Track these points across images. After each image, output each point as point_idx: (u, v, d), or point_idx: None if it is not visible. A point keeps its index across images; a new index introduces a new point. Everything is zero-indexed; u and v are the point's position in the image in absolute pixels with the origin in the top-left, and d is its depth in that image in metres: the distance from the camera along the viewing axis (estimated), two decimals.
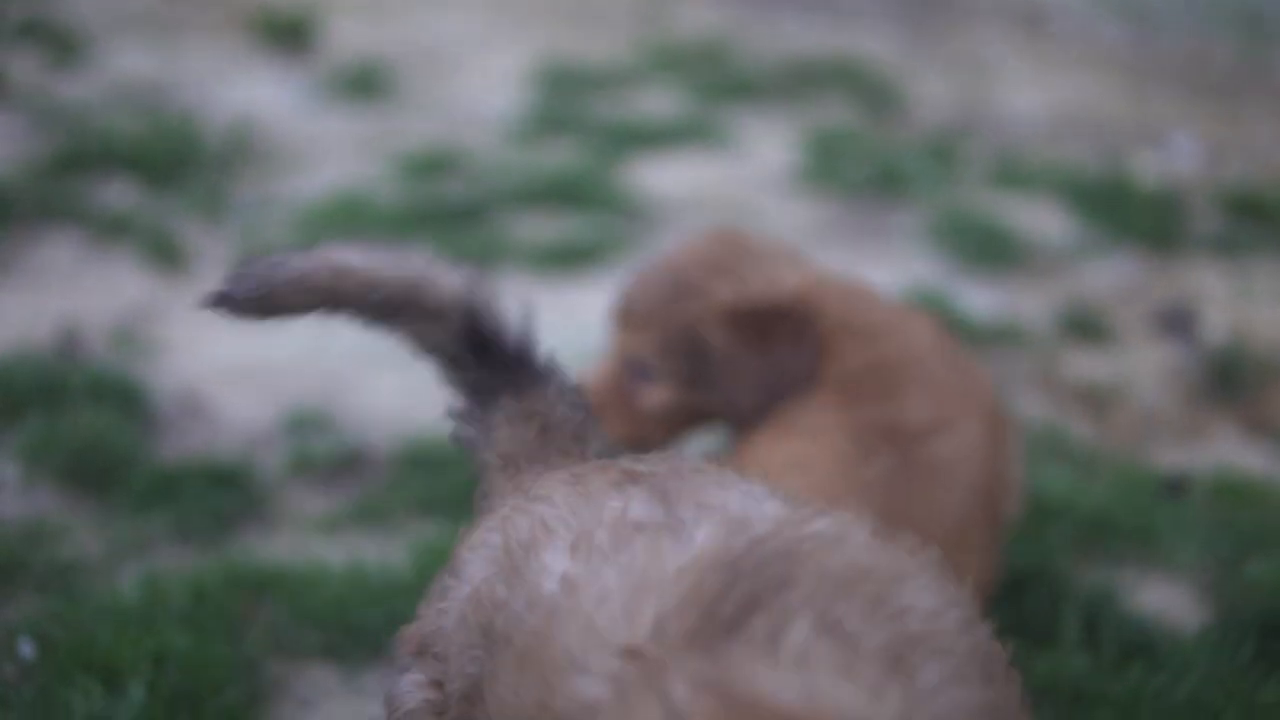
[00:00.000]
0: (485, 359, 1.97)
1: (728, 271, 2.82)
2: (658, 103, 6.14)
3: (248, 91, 5.85)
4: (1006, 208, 5.18)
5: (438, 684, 1.77)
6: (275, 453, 3.46)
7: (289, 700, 2.72)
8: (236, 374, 3.78)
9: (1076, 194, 5.29)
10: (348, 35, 6.58)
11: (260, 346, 3.90)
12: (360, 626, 2.82)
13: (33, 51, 6.02)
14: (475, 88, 6.15)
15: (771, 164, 5.51)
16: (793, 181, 5.36)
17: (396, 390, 3.72)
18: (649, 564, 1.58)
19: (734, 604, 1.50)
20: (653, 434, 2.86)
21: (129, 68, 5.98)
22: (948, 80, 6.69)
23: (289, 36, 6.44)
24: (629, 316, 2.86)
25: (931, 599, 1.52)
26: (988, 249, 4.80)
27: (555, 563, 1.64)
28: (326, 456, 3.42)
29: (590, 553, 1.63)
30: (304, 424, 3.56)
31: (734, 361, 2.77)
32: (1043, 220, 5.12)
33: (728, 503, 1.64)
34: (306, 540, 3.14)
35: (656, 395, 2.84)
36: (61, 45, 6.09)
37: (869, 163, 5.43)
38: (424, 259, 2.00)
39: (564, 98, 6.08)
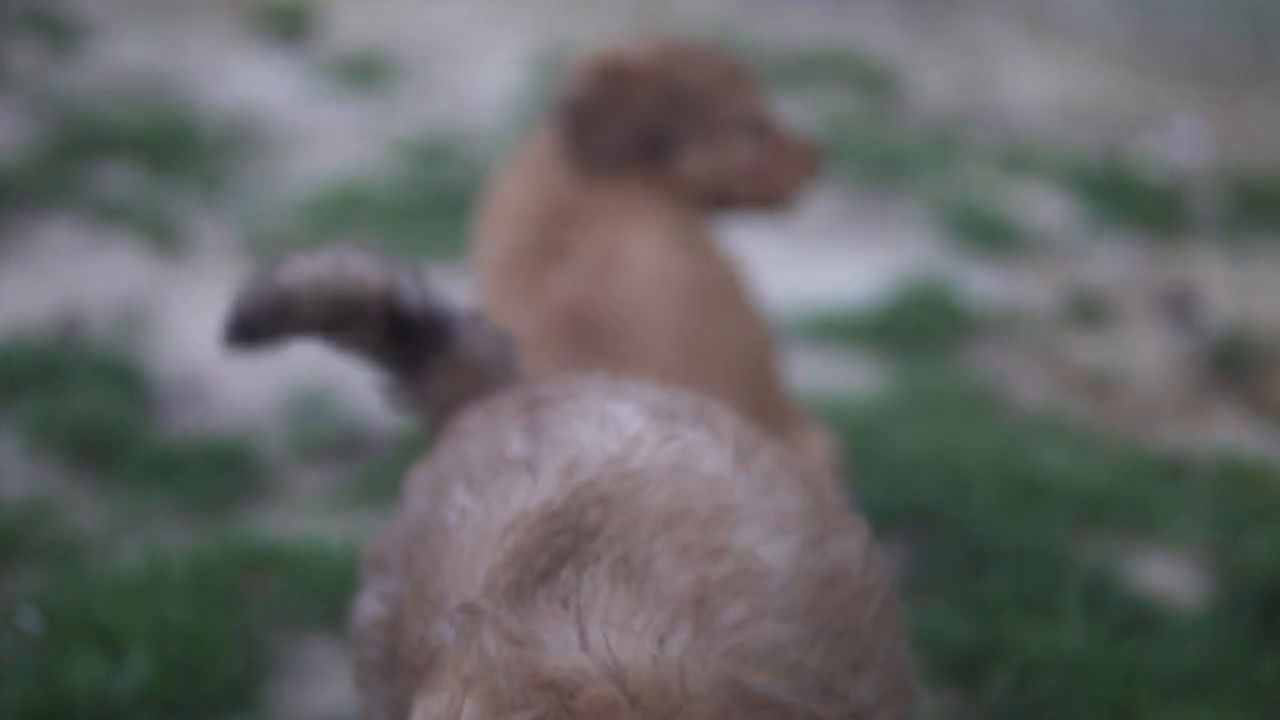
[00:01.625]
0: (407, 335, 1.95)
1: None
2: None
3: (247, 78, 5.85)
4: (1009, 194, 5.18)
5: (389, 600, 1.76)
6: (275, 432, 3.46)
7: (288, 671, 2.72)
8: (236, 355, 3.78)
9: (1079, 181, 5.30)
10: (348, 22, 6.58)
11: None
12: None
13: (33, 39, 6.02)
14: (476, 75, 6.15)
15: None
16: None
17: None
18: (500, 509, 1.57)
19: (546, 558, 1.49)
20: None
21: (129, 55, 5.98)
22: (950, 69, 6.69)
23: (289, 23, 6.44)
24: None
25: (755, 533, 1.50)
26: (990, 235, 4.80)
27: (458, 496, 1.64)
28: (326, 436, 3.43)
29: (481, 487, 1.62)
30: (304, 404, 3.56)
31: None
32: (1045, 207, 5.12)
33: (578, 437, 1.60)
34: (306, 517, 3.15)
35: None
36: (62, 32, 6.09)
37: (871, 151, 5.43)
38: (341, 255, 1.96)
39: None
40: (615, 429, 1.59)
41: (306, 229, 4.49)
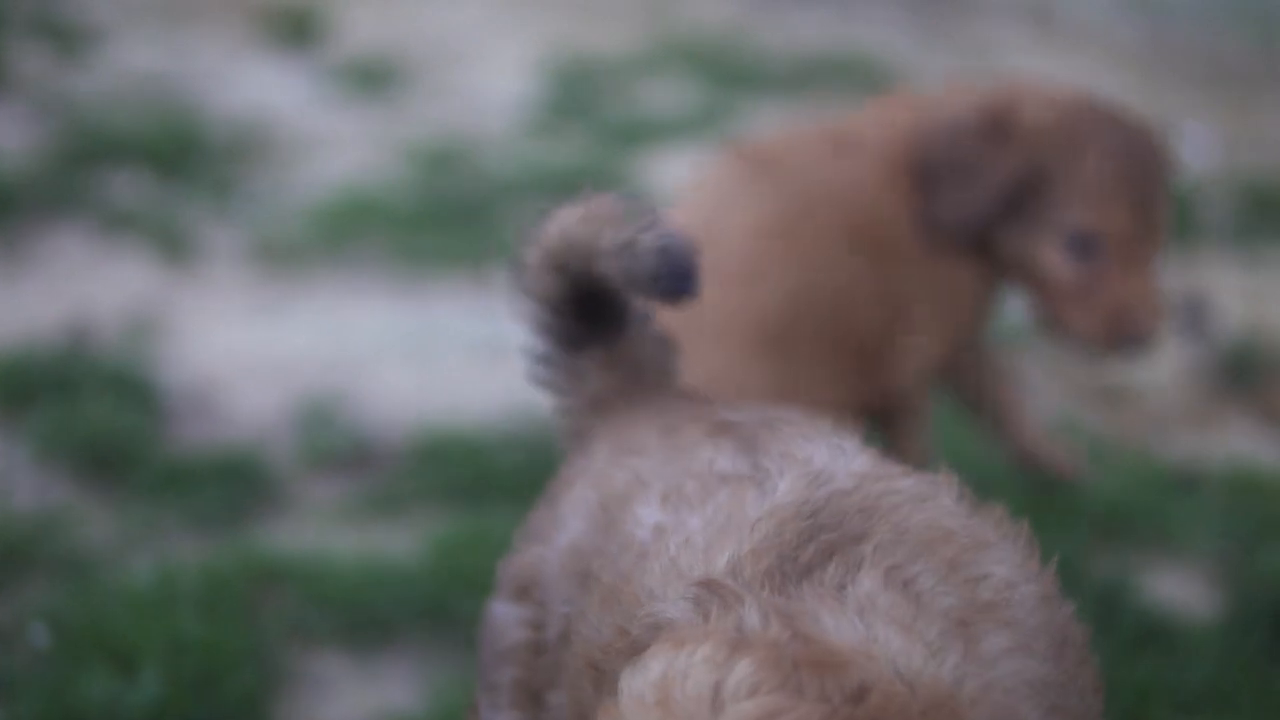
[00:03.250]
0: (589, 311, 1.97)
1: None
2: (667, 95, 6.14)
3: (256, 84, 5.85)
4: None
5: (537, 626, 1.83)
6: (287, 443, 3.46)
7: (303, 685, 2.72)
8: (247, 365, 3.78)
9: None
10: (357, 26, 6.58)
11: (271, 337, 3.90)
12: (373, 613, 2.82)
13: (41, 44, 6.02)
14: (485, 79, 6.15)
15: None
16: None
17: (409, 381, 3.72)
18: (732, 512, 1.64)
19: (810, 552, 1.56)
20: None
21: (137, 60, 5.98)
22: (956, 72, 6.68)
23: (298, 28, 6.43)
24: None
25: (1009, 570, 1.56)
26: None
27: (647, 514, 1.71)
28: (338, 447, 3.42)
29: (679, 502, 1.69)
30: (315, 415, 3.55)
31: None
32: None
33: (813, 456, 1.69)
34: (319, 529, 3.15)
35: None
36: (69, 38, 6.09)
37: None
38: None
39: (574, 89, 6.07)
40: (848, 456, 1.69)
41: (316, 236, 4.49)
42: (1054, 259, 2.60)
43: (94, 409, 3.43)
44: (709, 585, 1.56)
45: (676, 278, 1.86)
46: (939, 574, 1.53)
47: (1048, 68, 6.79)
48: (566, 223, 1.93)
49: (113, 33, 6.23)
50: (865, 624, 1.47)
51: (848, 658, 1.43)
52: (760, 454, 1.72)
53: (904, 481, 1.65)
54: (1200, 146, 5.90)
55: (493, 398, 3.57)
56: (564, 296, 1.95)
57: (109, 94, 5.56)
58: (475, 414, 3.54)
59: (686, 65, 6.48)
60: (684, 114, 5.86)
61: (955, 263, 2.62)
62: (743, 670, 1.42)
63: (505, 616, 1.86)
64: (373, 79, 5.98)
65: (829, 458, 1.68)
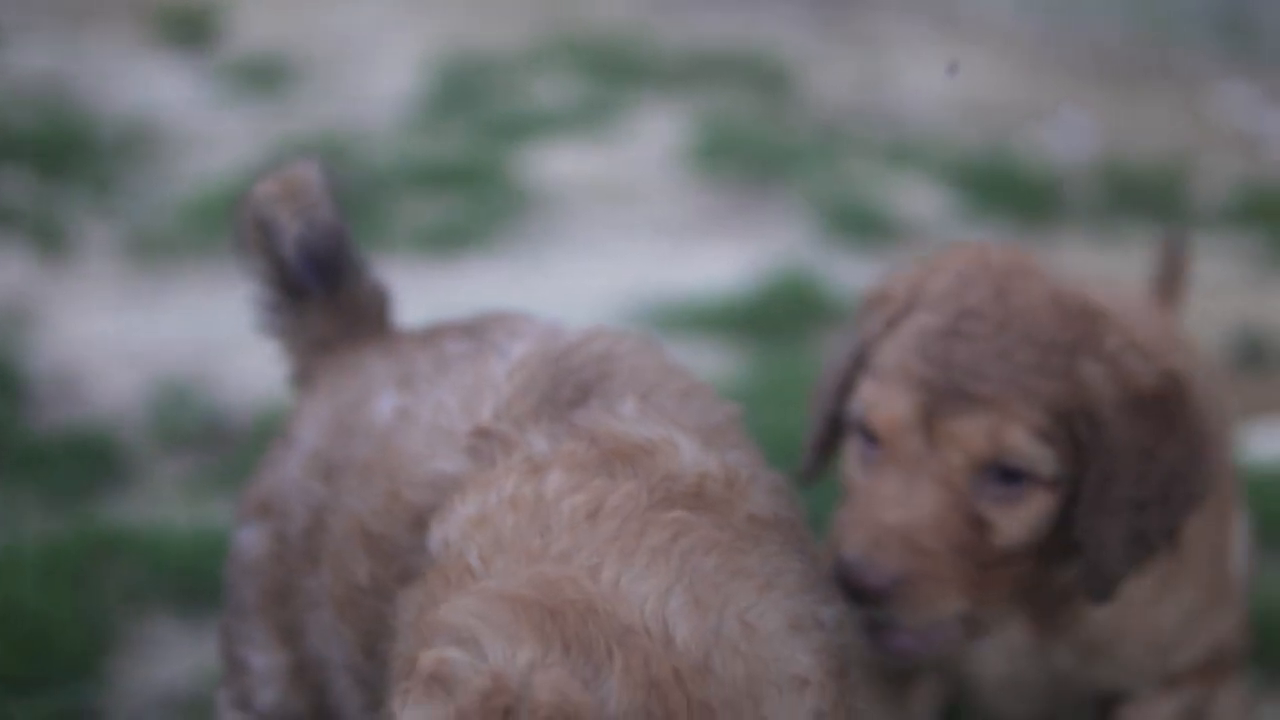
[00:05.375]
0: (310, 263, 2.10)
1: (1093, 319, 2.09)
2: (555, 90, 6.25)
3: (148, 83, 5.94)
4: (890, 187, 5.30)
5: (279, 536, 1.97)
6: (141, 423, 3.57)
7: (135, 647, 2.84)
8: (113, 352, 3.89)
9: (961, 173, 5.42)
10: (251, 27, 6.67)
11: (138, 326, 4.01)
12: (207, 581, 2.92)
13: None
14: (375, 77, 6.25)
15: (663, 150, 5.62)
16: (683, 166, 5.47)
17: (266, 365, 3.81)
18: (477, 376, 1.84)
19: (567, 391, 1.79)
20: (999, 584, 2.04)
21: (32, 61, 6.06)
22: (851, 68, 6.81)
23: (192, 28, 6.53)
24: (975, 391, 2.00)
25: (719, 403, 1.88)
26: (866, 227, 4.92)
27: (385, 403, 1.90)
28: (190, 426, 3.54)
29: (416, 384, 1.89)
30: (171, 396, 3.67)
31: (1124, 466, 2.03)
32: (925, 199, 5.24)
33: (535, 328, 1.92)
34: (162, 504, 3.26)
35: (1033, 508, 2.03)
36: None
37: (759, 147, 5.55)
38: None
39: (461, 85, 6.18)
40: (563, 327, 1.93)
41: (191, 230, 4.59)
42: None
43: None
44: (482, 433, 1.76)
45: (307, 272, 2.05)
46: (677, 401, 1.81)
47: (940, 61, 6.92)
48: (261, 192, 2.08)
49: (7, 34, 6.31)
50: (648, 427, 1.73)
51: (652, 447, 1.70)
52: (485, 335, 1.91)
53: (622, 338, 1.89)
54: (1076, 134, 6.04)
55: None
56: (276, 253, 2.09)
57: (2, 94, 5.65)
58: None
59: (577, 62, 6.59)
60: (570, 109, 5.97)
61: None
62: (556, 479, 1.66)
63: (248, 537, 2.00)
64: (263, 77, 6.08)
65: (550, 328, 1.91)
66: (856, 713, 1.70)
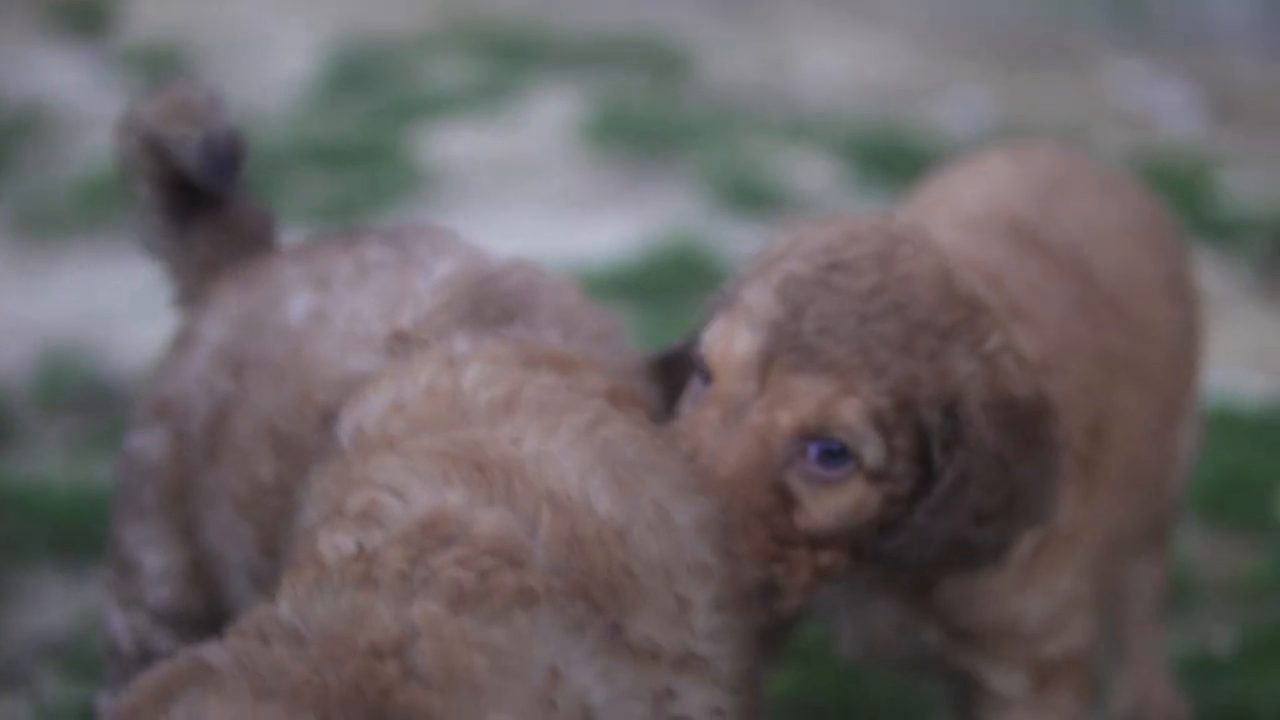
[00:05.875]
0: (218, 163, 2.15)
1: (978, 312, 1.91)
2: (453, 74, 6.27)
3: (42, 71, 5.93)
4: (782, 162, 5.36)
5: (179, 435, 1.99)
6: (29, 389, 3.60)
7: (14, 597, 2.87)
8: (2, 325, 3.90)
9: (853, 148, 5.48)
10: (148, 14, 6.65)
11: (29, 300, 4.03)
12: (86, 534, 2.96)
13: None
14: (273, 62, 6.26)
15: (559, 128, 5.66)
16: (578, 143, 5.52)
17: (157, 335, 3.84)
18: (399, 287, 1.86)
19: (491, 312, 1.82)
20: (799, 567, 1.86)
21: None
22: (749, 49, 6.86)
23: (88, 16, 6.51)
24: (822, 349, 1.83)
25: (632, 350, 1.97)
26: (757, 199, 4.98)
27: (299, 304, 1.91)
28: (76, 390, 3.57)
29: (330, 283, 1.90)
30: (58, 363, 3.69)
31: (981, 472, 1.86)
32: (817, 172, 5.30)
33: (461, 247, 1.95)
34: (48, 463, 3.29)
35: (849, 497, 1.85)
36: None
37: (654, 124, 5.60)
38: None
39: (360, 69, 6.20)
40: (488, 253, 1.95)
41: (84, 208, 4.61)
42: None
43: None
44: (400, 337, 1.79)
45: (215, 172, 2.10)
46: (594, 340, 1.86)
47: (838, 43, 7.00)
48: (148, 112, 2.10)
49: None
50: (572, 345, 1.80)
51: (575, 361, 1.74)
52: (408, 247, 1.93)
53: (544, 272, 1.94)
54: (969, 108, 6.12)
55: None
56: (165, 173, 2.12)
57: None
58: None
59: (474, 46, 6.62)
60: (467, 91, 6.00)
61: None
62: (475, 372, 1.68)
63: (145, 440, 2.03)
64: (160, 64, 6.07)
65: (474, 250, 1.95)
66: (751, 620, 1.74)
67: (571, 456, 1.61)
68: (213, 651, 1.48)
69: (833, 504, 1.83)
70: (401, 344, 1.78)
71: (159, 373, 2.08)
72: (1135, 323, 2.26)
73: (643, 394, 1.82)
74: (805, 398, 1.81)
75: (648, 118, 5.70)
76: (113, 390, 3.59)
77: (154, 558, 2.01)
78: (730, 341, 1.85)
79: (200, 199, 2.14)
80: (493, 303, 1.83)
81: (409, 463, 1.59)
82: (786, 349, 1.82)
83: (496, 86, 6.09)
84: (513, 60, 6.46)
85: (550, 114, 5.82)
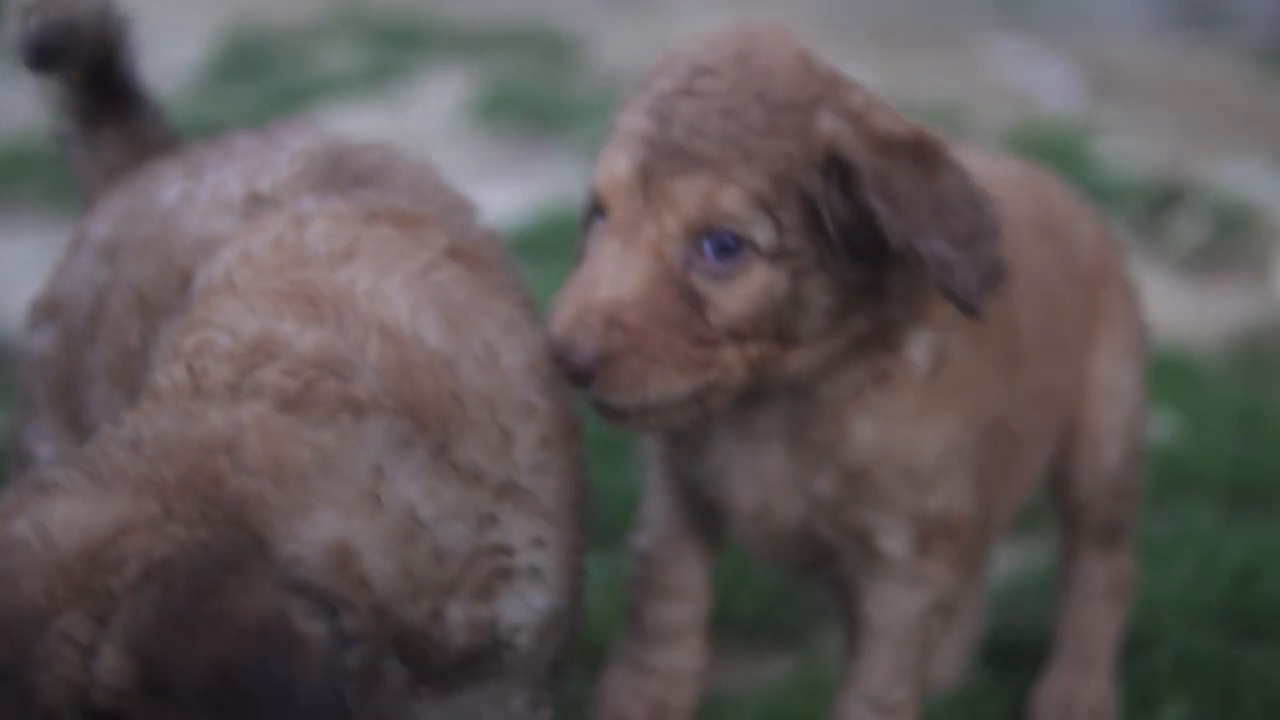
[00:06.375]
0: (103, 87, 2.22)
1: (839, 84, 1.96)
2: (344, 59, 6.33)
3: None
4: None
5: (67, 330, 2.07)
6: None
7: None
8: None
9: None
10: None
11: None
12: None
13: None
14: (164, 48, 6.25)
15: (450, 107, 5.74)
16: (468, 121, 5.61)
17: None
18: (259, 160, 1.95)
19: (344, 178, 1.90)
20: (731, 366, 1.92)
21: None
22: (635, 35, 6.94)
23: None
24: (693, 149, 1.89)
25: (480, 221, 2.04)
26: None
27: (170, 189, 1.99)
28: None
29: (201, 170, 1.98)
30: None
31: (904, 207, 1.90)
32: None
33: (322, 130, 2.05)
34: None
35: (754, 282, 1.91)
36: None
37: (540, 102, 5.68)
38: None
39: (252, 55, 6.25)
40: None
41: None
42: None
43: None
44: (256, 198, 1.87)
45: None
46: (444, 210, 1.92)
47: (707, 27, 7.08)
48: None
49: None
50: (419, 206, 1.87)
51: (419, 219, 1.81)
52: (274, 134, 2.03)
53: (404, 153, 2.01)
54: None
55: None
56: (78, 77, 2.18)
57: None
58: None
59: (364, 32, 6.68)
60: (359, 75, 6.06)
61: None
62: (319, 227, 1.76)
63: (38, 339, 2.12)
64: None
65: (338, 133, 2.03)
66: (580, 460, 1.82)
67: (404, 295, 1.69)
68: (54, 472, 1.56)
69: (741, 293, 1.90)
70: (257, 205, 1.86)
71: (53, 272, 2.14)
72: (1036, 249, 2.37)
73: (489, 257, 1.87)
74: (687, 197, 1.87)
75: (536, 97, 5.78)
76: (9, 351, 3.64)
77: (45, 449, 2.08)
78: (612, 168, 1.94)
79: (109, 107, 2.20)
80: (347, 171, 1.91)
81: (245, 302, 1.67)
82: (661, 158, 1.89)
83: (387, 70, 6.16)
84: (403, 46, 6.52)
85: (441, 95, 5.89)
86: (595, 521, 2.97)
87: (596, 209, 1.98)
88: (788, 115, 1.90)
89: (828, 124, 1.91)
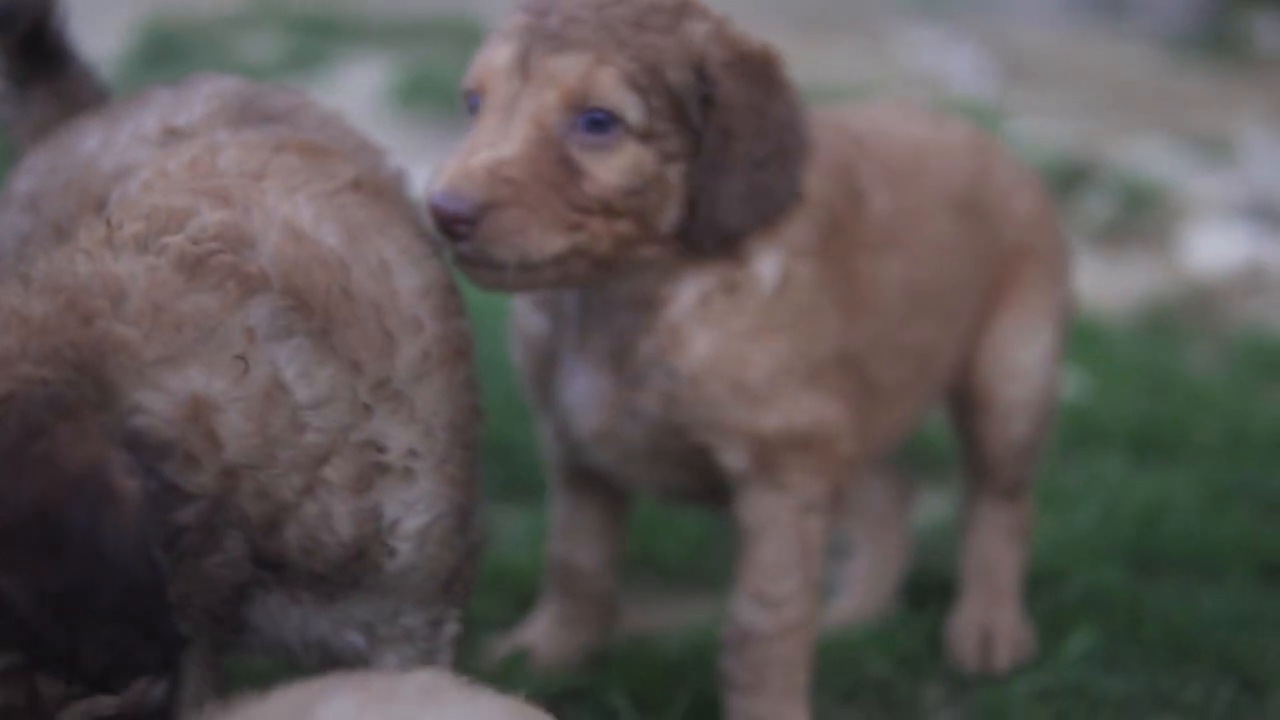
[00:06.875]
0: (34, 48, 2.23)
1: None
2: (263, 49, 6.36)
3: None
4: None
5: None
6: None
7: None
8: None
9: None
10: None
11: None
12: None
13: None
14: (84, 40, 6.28)
15: (368, 93, 5.79)
16: (387, 106, 5.67)
17: None
18: (172, 107, 2.01)
19: (253, 116, 1.97)
20: (600, 236, 2.05)
21: None
22: None
23: None
24: (571, 34, 2.05)
25: (382, 161, 2.07)
26: None
27: (89, 141, 2.05)
28: None
29: (116, 118, 2.05)
30: None
31: (740, 123, 2.09)
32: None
33: (235, 79, 2.11)
34: None
35: (625, 157, 2.04)
36: None
37: (456, 87, 5.71)
38: None
39: (171, 46, 6.27)
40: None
41: None
42: None
43: None
44: (171, 131, 1.95)
45: None
46: (354, 149, 1.99)
47: None
48: None
49: None
50: (328, 135, 1.98)
51: (328, 148, 1.89)
52: (189, 81, 2.10)
53: (318, 102, 2.10)
54: None
55: None
56: (10, 41, 2.22)
57: None
58: None
59: (284, 23, 6.73)
60: (278, 63, 6.09)
61: None
62: (231, 154, 1.83)
63: None
64: None
65: (253, 83, 2.10)
66: (467, 386, 1.88)
67: (307, 208, 1.77)
68: None
69: (613, 164, 2.03)
70: (172, 137, 1.93)
71: None
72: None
73: (394, 192, 1.93)
74: (566, 74, 2.02)
75: (454, 84, 5.80)
76: None
77: None
78: (490, 57, 2.10)
79: (41, 68, 2.23)
80: (259, 110, 1.98)
81: (153, 198, 1.75)
82: (539, 41, 2.05)
83: (308, 58, 6.20)
84: (322, 36, 6.57)
85: (361, 81, 5.94)
86: (517, 475, 3.09)
87: (471, 102, 2.13)
88: (656, 16, 2.08)
89: (700, 33, 2.10)
